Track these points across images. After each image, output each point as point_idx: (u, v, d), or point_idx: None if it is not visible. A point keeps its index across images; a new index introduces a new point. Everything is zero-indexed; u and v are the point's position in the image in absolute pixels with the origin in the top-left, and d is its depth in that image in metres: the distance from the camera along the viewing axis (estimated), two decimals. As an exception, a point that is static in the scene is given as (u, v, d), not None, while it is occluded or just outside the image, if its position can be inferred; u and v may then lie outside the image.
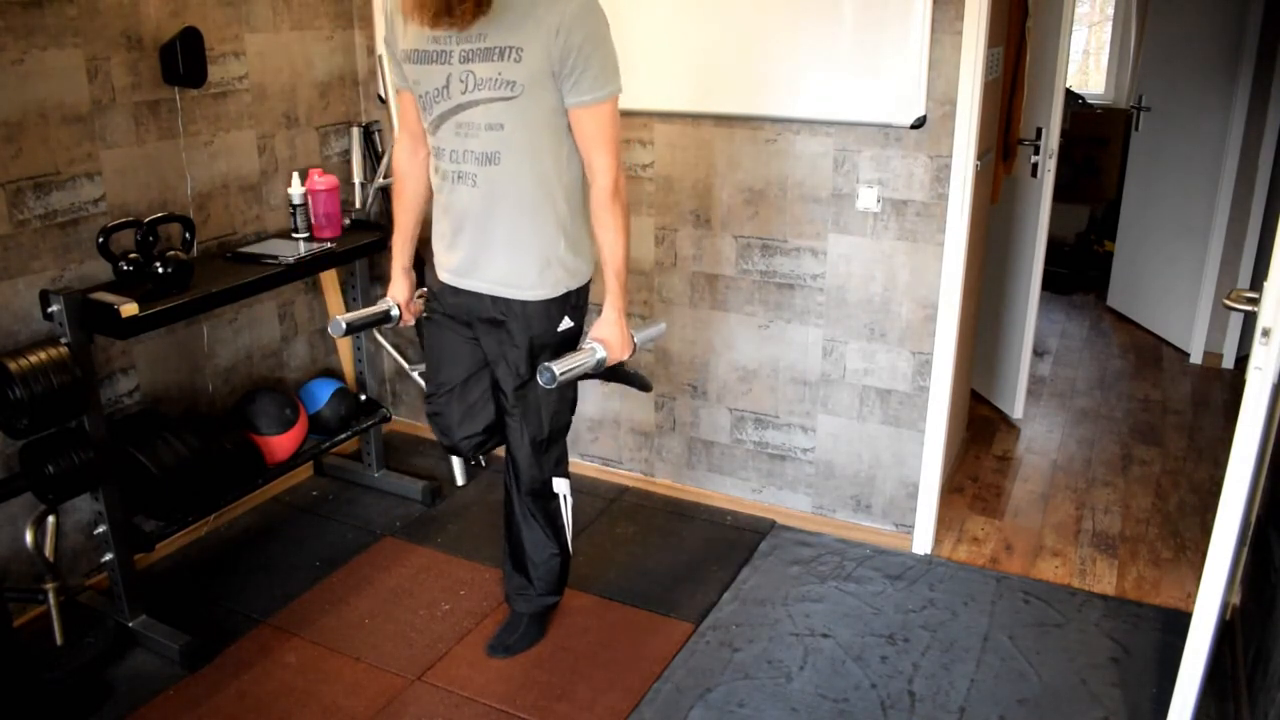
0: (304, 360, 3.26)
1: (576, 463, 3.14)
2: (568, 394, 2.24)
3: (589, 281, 2.18)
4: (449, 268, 2.16)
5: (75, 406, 2.24)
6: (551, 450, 2.28)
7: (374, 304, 2.38)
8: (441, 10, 1.87)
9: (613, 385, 3.15)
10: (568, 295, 2.12)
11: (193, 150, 2.76)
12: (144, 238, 2.40)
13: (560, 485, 2.32)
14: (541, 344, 2.13)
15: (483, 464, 3.37)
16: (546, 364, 2.00)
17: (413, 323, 2.41)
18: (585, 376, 2.15)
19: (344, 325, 2.27)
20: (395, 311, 2.35)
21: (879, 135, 2.59)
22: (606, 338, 2.10)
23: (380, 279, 3.22)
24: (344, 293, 3.22)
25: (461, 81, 1.95)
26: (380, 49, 3.14)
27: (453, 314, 2.22)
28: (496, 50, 1.90)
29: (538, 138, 1.98)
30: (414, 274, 2.37)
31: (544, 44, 1.87)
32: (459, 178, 2.04)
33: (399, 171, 2.28)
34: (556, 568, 2.39)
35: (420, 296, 2.38)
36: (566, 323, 2.14)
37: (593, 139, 1.98)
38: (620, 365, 2.43)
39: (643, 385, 2.56)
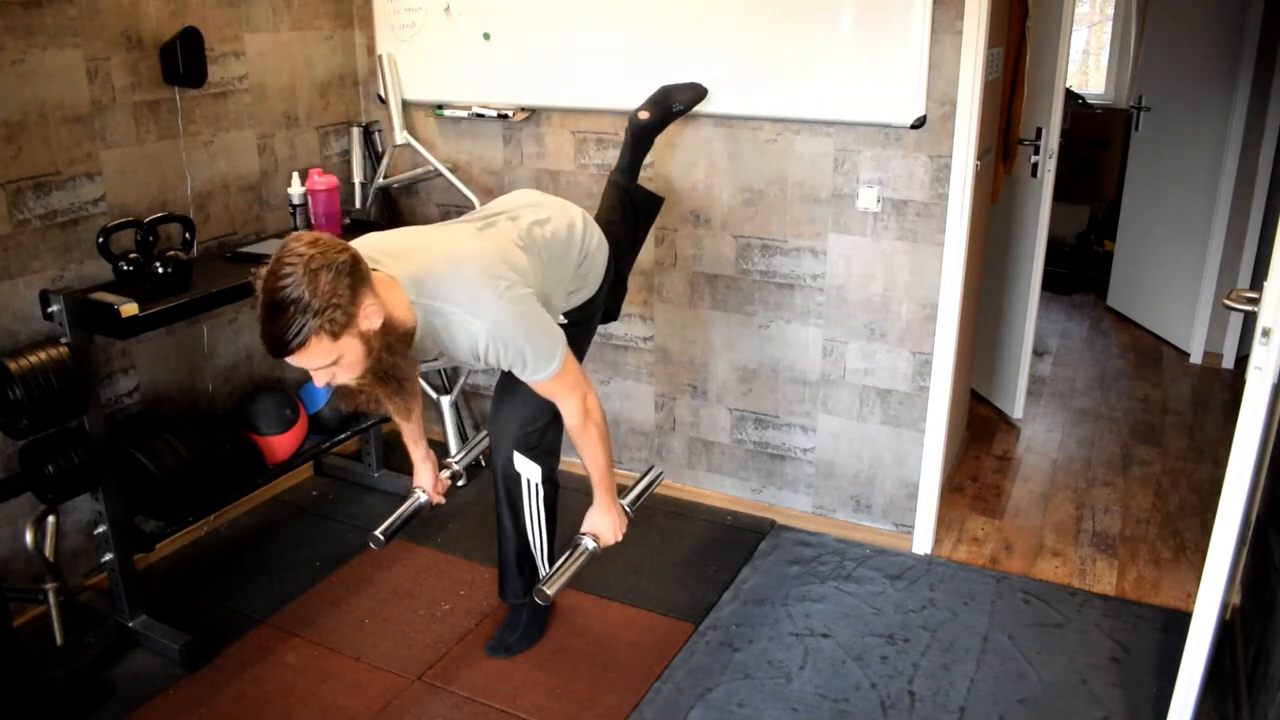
0: (304, 360, 3.26)
1: (577, 462, 3.13)
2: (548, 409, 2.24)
3: (595, 292, 2.25)
4: None
5: (75, 406, 2.24)
6: (525, 432, 2.26)
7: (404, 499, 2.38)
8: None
9: (619, 385, 3.14)
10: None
11: (193, 150, 2.76)
12: (144, 238, 2.40)
13: (525, 466, 2.29)
14: None
15: (483, 464, 3.37)
16: (539, 587, 2.08)
17: (444, 501, 2.42)
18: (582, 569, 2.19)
19: (383, 539, 2.26)
20: (424, 499, 2.35)
21: (879, 135, 2.59)
22: (598, 530, 2.18)
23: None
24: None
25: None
26: (380, 50, 3.15)
27: None
28: (449, 358, 2.00)
29: None
30: (433, 455, 2.37)
31: (478, 362, 1.92)
32: None
33: None
34: (512, 553, 2.40)
35: (444, 468, 2.41)
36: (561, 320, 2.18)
37: (550, 395, 2.03)
38: (669, 106, 2.54)
39: (697, 95, 2.63)
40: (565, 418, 2.06)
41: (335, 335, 1.66)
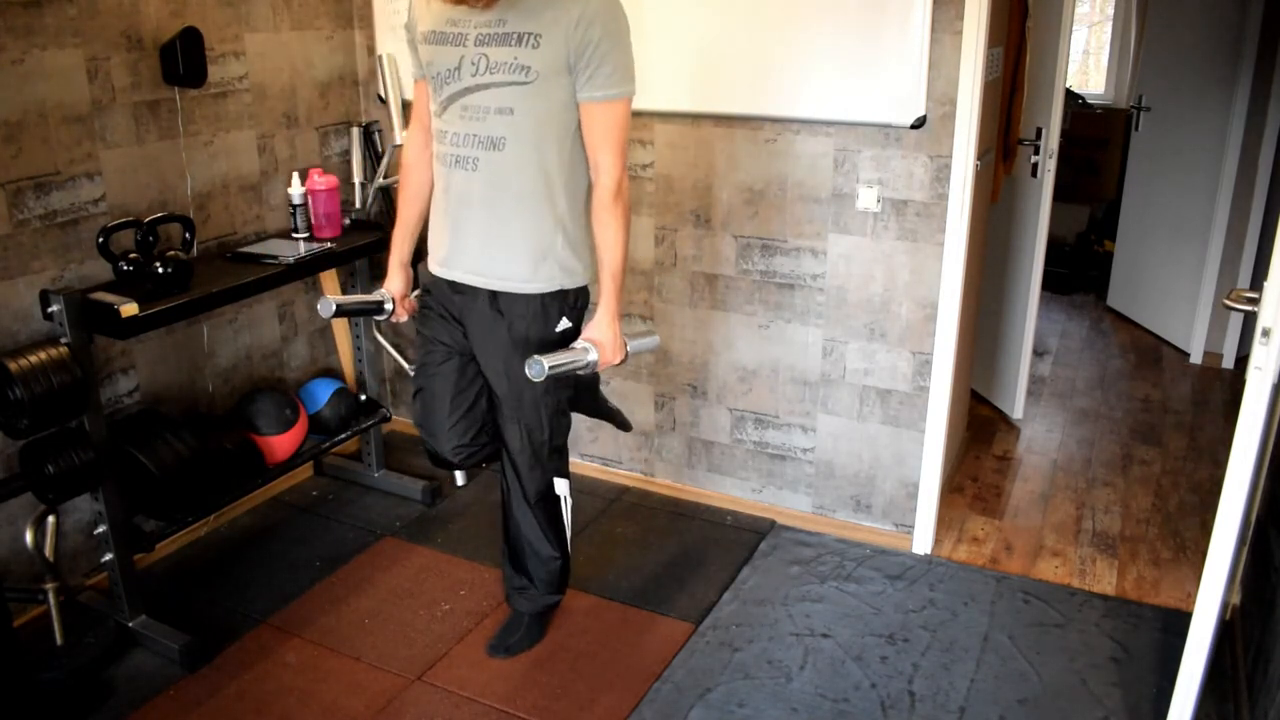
0: (304, 360, 3.26)
1: (576, 463, 3.14)
2: (564, 395, 2.24)
3: (588, 284, 2.17)
4: (440, 259, 2.16)
5: (75, 406, 2.24)
6: (551, 454, 2.27)
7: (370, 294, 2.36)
8: None
9: (604, 392, 3.15)
10: (564, 294, 2.11)
11: (193, 150, 2.76)
12: (144, 238, 2.40)
13: (561, 487, 2.32)
14: (537, 343, 2.11)
15: (484, 465, 3.37)
16: (536, 357, 1.98)
17: (406, 319, 2.40)
18: (576, 376, 2.14)
19: (334, 306, 2.23)
20: (389, 305, 2.32)
21: (879, 135, 2.59)
22: (599, 339, 2.09)
23: (380, 278, 3.22)
24: (344, 293, 3.21)
25: (473, 64, 1.95)
26: (380, 50, 3.14)
27: (444, 311, 2.21)
28: (515, 35, 1.91)
29: (545, 129, 1.98)
30: (411, 270, 2.36)
31: (564, 34, 1.88)
32: (457, 161, 2.03)
33: (407, 163, 2.26)
34: (557, 570, 2.39)
35: (417, 295, 2.37)
36: (564, 323, 2.13)
37: (601, 137, 1.98)
38: (602, 398, 2.48)
39: (622, 424, 2.60)
40: (599, 176, 2.00)
41: None
